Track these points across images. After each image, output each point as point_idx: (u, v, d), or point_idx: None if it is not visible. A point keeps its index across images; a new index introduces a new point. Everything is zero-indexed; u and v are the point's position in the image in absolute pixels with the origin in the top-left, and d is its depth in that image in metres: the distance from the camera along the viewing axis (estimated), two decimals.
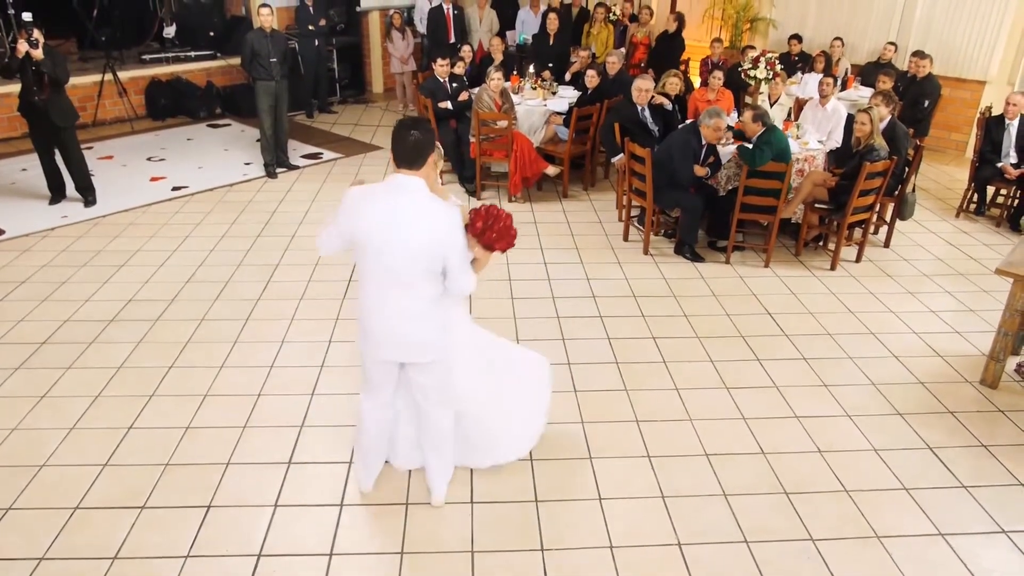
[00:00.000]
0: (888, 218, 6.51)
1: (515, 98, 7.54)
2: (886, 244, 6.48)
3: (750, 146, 5.78)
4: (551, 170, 7.17)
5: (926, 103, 8.00)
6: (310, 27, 9.72)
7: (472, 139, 7.07)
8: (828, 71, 8.39)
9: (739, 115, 6.55)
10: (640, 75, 6.80)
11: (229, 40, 10.21)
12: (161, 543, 3.15)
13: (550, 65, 8.61)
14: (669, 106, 6.89)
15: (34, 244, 6.04)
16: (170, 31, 10.56)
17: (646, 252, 6.17)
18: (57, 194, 6.83)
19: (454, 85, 7.50)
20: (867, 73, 8.76)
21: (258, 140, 8.14)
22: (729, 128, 6.14)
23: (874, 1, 9.39)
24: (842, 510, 3.45)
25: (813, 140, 6.52)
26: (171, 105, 9.86)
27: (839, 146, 6.63)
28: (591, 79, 7.44)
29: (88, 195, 6.80)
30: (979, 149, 7.05)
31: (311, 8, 9.66)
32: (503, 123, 6.91)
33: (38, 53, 6.02)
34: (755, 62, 7.52)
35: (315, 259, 5.86)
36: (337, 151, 8.73)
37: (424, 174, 2.87)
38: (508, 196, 7.25)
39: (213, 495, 3.42)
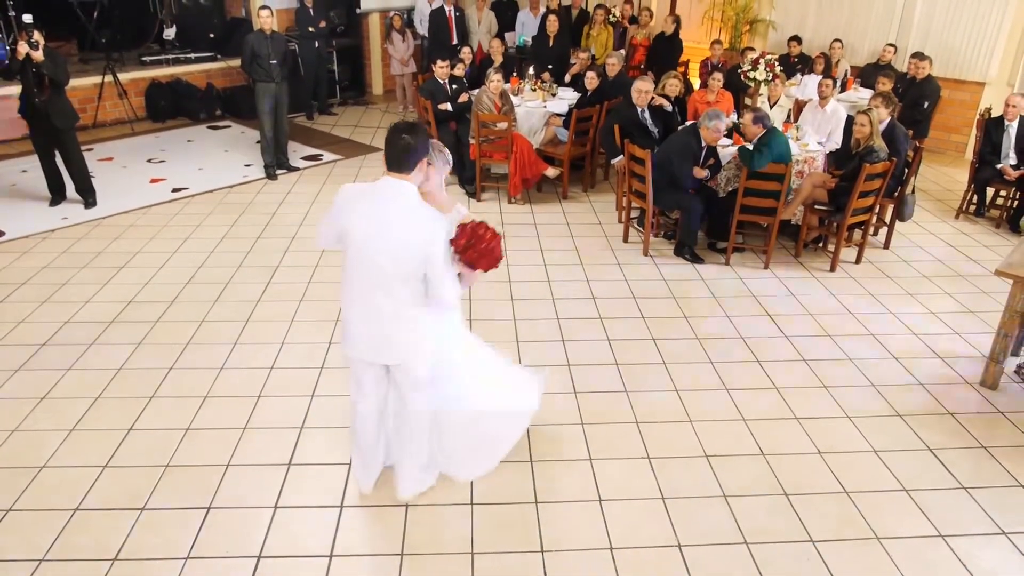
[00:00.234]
0: (888, 219, 6.51)
1: (515, 100, 7.55)
2: (886, 245, 6.48)
3: (750, 147, 5.78)
4: (551, 172, 7.17)
5: (925, 104, 8.01)
6: (310, 29, 9.74)
7: (472, 141, 7.08)
8: (828, 73, 8.39)
9: (739, 117, 6.56)
10: (640, 77, 6.81)
11: (229, 42, 10.22)
12: (161, 544, 3.15)
13: (550, 67, 8.62)
14: (669, 107, 6.89)
15: (34, 245, 6.05)
16: (170, 33, 10.57)
17: (646, 253, 6.17)
18: (57, 196, 6.83)
19: (454, 87, 7.51)
20: (866, 75, 8.77)
21: (258, 142, 8.15)
22: (733, 127, 6.15)
23: (873, 3, 9.40)
24: (842, 511, 3.45)
25: (813, 142, 6.52)
26: (171, 107, 9.87)
27: (839, 147, 6.63)
28: (591, 81, 7.45)
29: (88, 197, 6.81)
30: (978, 150, 7.05)
31: (311, 10, 9.67)
32: (503, 125, 6.91)
33: (38, 55, 6.02)
34: (755, 64, 7.53)
35: (315, 261, 5.87)
36: (337, 153, 8.74)
37: (414, 179, 2.87)
38: (508, 198, 7.25)
39: (213, 496, 3.42)
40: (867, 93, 8.04)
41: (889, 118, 6.19)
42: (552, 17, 9.38)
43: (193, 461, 3.65)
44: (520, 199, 7.29)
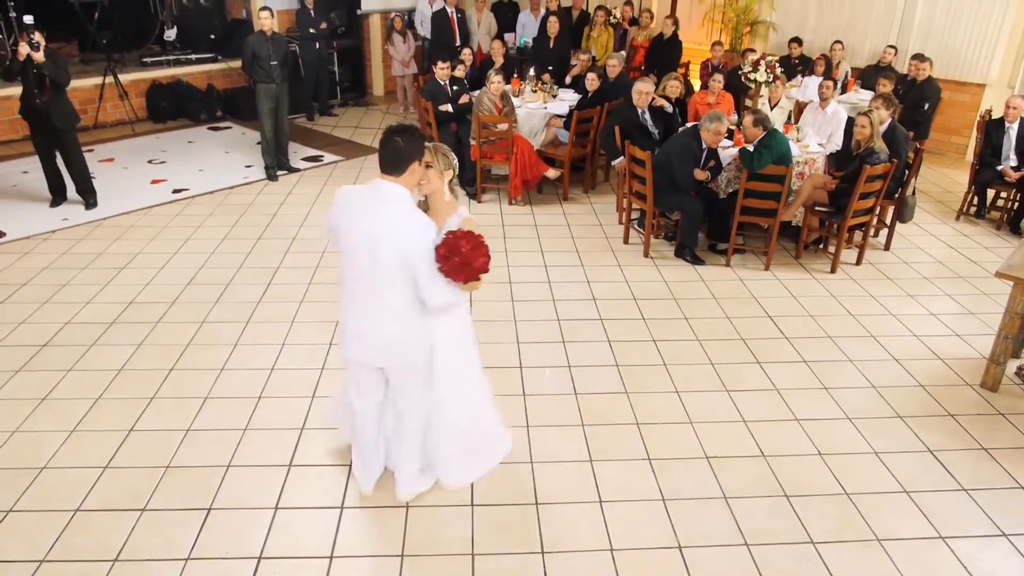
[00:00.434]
0: (888, 221, 6.51)
1: (515, 101, 7.55)
2: (886, 247, 6.48)
3: (751, 149, 5.79)
4: (551, 173, 7.18)
5: (926, 106, 8.01)
6: (311, 30, 9.74)
7: (472, 142, 7.08)
8: (828, 74, 8.39)
9: (739, 118, 6.56)
10: (641, 78, 6.81)
11: (230, 43, 10.23)
12: (161, 545, 3.15)
13: (550, 68, 8.62)
14: (669, 109, 6.90)
15: (35, 246, 6.05)
16: (171, 34, 10.58)
17: (646, 255, 6.17)
18: (58, 196, 6.84)
19: (454, 88, 7.51)
20: (867, 76, 8.77)
21: (259, 143, 8.15)
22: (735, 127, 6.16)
23: (874, 4, 9.41)
24: (842, 513, 3.45)
25: (813, 143, 6.53)
26: (172, 108, 9.88)
27: (839, 149, 6.63)
28: (591, 82, 7.46)
29: (89, 198, 6.81)
30: (979, 152, 7.06)
31: (312, 11, 9.68)
32: (503, 126, 6.91)
33: (39, 56, 6.03)
34: (755, 65, 7.53)
35: (315, 262, 5.87)
36: (338, 154, 8.74)
37: (406, 182, 2.88)
38: (509, 199, 7.26)
39: (214, 497, 3.42)
40: (868, 95, 8.04)
41: (890, 120, 6.19)
42: (553, 19, 9.38)
43: (194, 462, 3.65)
44: (521, 200, 7.29)
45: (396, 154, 2.83)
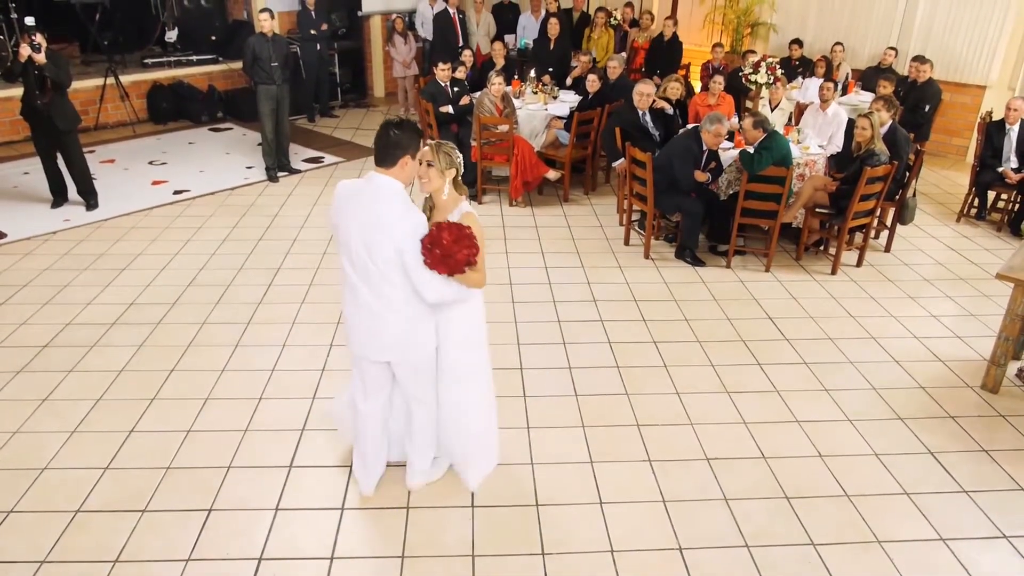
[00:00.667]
0: (889, 223, 6.51)
1: (516, 102, 7.56)
2: (887, 249, 6.48)
3: (751, 151, 5.79)
4: (552, 174, 7.18)
5: (927, 108, 8.02)
6: (312, 31, 9.75)
7: (473, 143, 7.09)
8: (829, 76, 8.40)
9: (740, 120, 6.56)
10: (642, 80, 6.81)
11: (231, 44, 10.23)
12: (162, 547, 3.15)
13: (550, 70, 8.63)
14: (670, 110, 6.90)
15: (36, 247, 6.06)
16: (172, 35, 10.59)
17: (647, 256, 6.17)
18: (59, 198, 6.85)
19: (455, 89, 7.52)
20: (868, 78, 8.77)
21: (259, 144, 8.16)
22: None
23: (874, 6, 9.41)
24: (843, 515, 3.44)
25: (814, 145, 6.53)
26: (173, 109, 9.88)
27: (840, 151, 6.64)
28: (592, 84, 7.46)
29: (90, 199, 6.82)
30: (980, 154, 7.06)
31: (313, 12, 9.69)
32: (504, 127, 6.92)
33: (41, 57, 6.04)
34: (756, 67, 7.54)
35: (316, 263, 5.88)
36: (338, 155, 8.75)
37: (398, 175, 2.89)
38: (509, 200, 7.26)
39: (214, 499, 3.42)
40: (868, 96, 8.05)
41: (890, 121, 6.19)
42: (553, 20, 9.39)
43: (194, 463, 3.65)
44: (521, 202, 7.30)
45: (385, 146, 2.85)
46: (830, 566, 3.16)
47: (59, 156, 6.60)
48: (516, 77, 8.53)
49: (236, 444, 3.79)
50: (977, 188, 7.13)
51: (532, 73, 8.25)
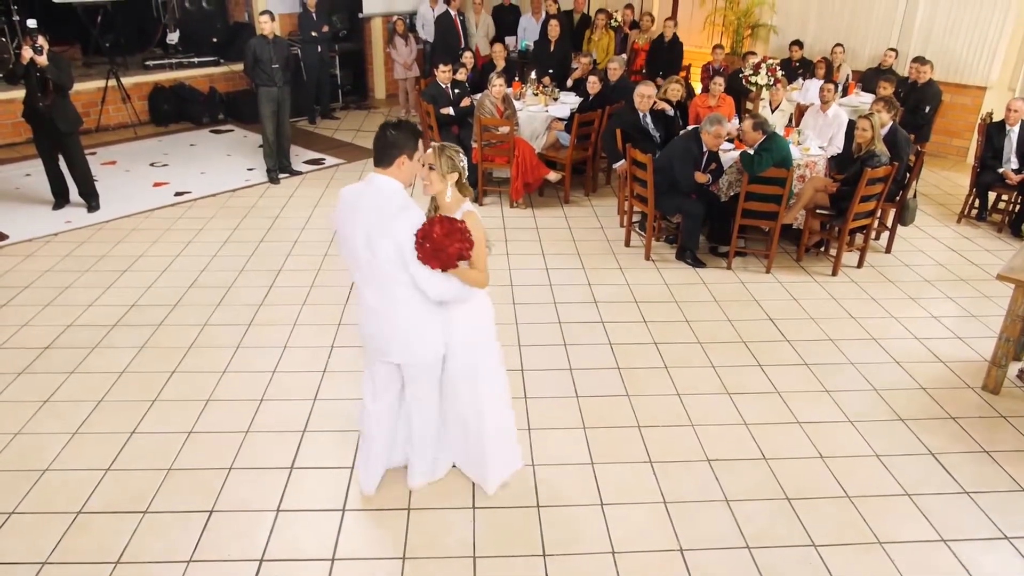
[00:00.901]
0: (889, 224, 6.51)
1: (517, 104, 7.57)
2: (887, 250, 6.48)
3: (751, 152, 5.79)
4: (553, 176, 7.19)
5: (927, 109, 8.02)
6: (313, 33, 9.76)
7: (474, 145, 7.09)
8: (829, 77, 8.40)
9: (740, 121, 6.57)
10: (643, 81, 6.82)
11: (232, 46, 10.25)
12: (163, 548, 3.16)
13: (551, 71, 8.64)
14: (671, 112, 6.90)
15: (37, 249, 6.06)
16: (173, 37, 10.59)
17: (648, 258, 6.17)
18: (60, 199, 6.85)
19: (456, 91, 7.53)
20: (868, 79, 8.77)
21: (260, 146, 8.17)
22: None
23: (875, 7, 9.42)
24: (844, 516, 3.44)
25: (814, 146, 6.53)
26: (174, 111, 9.90)
27: (840, 152, 6.64)
28: (592, 85, 7.47)
29: (91, 200, 6.82)
30: (980, 155, 7.06)
31: (314, 14, 9.70)
32: (505, 129, 6.93)
33: (42, 59, 6.05)
34: (756, 68, 7.54)
35: (317, 265, 5.88)
36: (339, 157, 8.76)
37: (396, 175, 2.91)
38: (510, 202, 7.27)
39: (215, 500, 3.43)
40: (868, 97, 8.05)
41: (891, 122, 6.19)
42: (554, 22, 9.40)
43: (195, 464, 3.65)
44: (522, 203, 7.30)
45: (385, 146, 2.89)
46: (831, 567, 3.16)
47: (61, 158, 6.61)
48: (517, 79, 8.54)
49: (237, 445, 3.79)
50: (978, 189, 7.13)
51: (533, 75, 8.26)
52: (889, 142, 5.98)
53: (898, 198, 6.29)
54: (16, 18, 8.94)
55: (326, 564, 3.11)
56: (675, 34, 9.57)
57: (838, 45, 9.17)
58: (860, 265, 6.14)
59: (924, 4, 9.02)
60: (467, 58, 8.31)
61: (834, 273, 5.99)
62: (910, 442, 3.99)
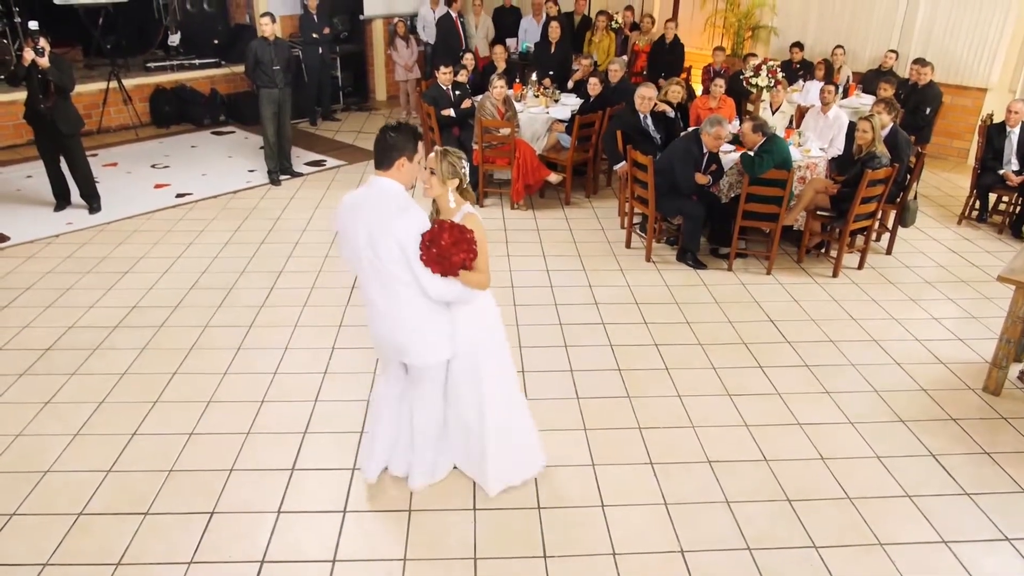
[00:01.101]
0: (890, 225, 6.52)
1: (518, 106, 7.57)
2: (888, 251, 6.48)
3: (752, 154, 5.80)
4: (553, 177, 7.19)
5: (927, 110, 8.02)
6: (314, 35, 9.77)
7: (475, 146, 7.10)
8: (829, 79, 8.39)
9: (741, 123, 6.57)
10: (644, 83, 6.82)
11: (233, 48, 10.26)
12: (164, 549, 3.16)
13: (552, 73, 8.64)
14: (671, 114, 6.91)
15: (39, 251, 6.07)
16: (175, 39, 10.61)
17: (648, 259, 6.18)
18: (62, 201, 6.86)
19: (457, 93, 7.54)
20: (868, 81, 8.77)
21: (261, 147, 8.18)
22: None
23: (875, 9, 9.42)
24: (845, 517, 3.44)
25: (815, 147, 6.53)
26: (175, 112, 9.90)
27: (841, 153, 6.64)
28: (593, 87, 7.47)
29: (93, 202, 6.83)
30: (981, 156, 7.06)
31: (315, 16, 9.71)
32: (506, 131, 6.93)
33: (44, 61, 6.06)
34: (757, 70, 7.55)
35: (318, 266, 5.89)
36: (340, 158, 8.77)
37: (396, 176, 2.94)
38: (511, 203, 7.27)
39: (216, 501, 3.43)
40: (869, 99, 8.05)
41: (891, 124, 6.19)
42: (554, 24, 9.41)
43: (196, 466, 3.66)
44: (523, 205, 7.31)
45: (384, 148, 2.92)
46: (832, 568, 3.16)
47: (62, 160, 6.62)
48: (517, 80, 8.54)
49: (239, 447, 3.80)
50: (978, 190, 7.14)
51: (533, 76, 8.26)
52: (890, 144, 5.99)
53: (899, 200, 6.29)
54: (18, 20, 8.94)
55: (327, 565, 3.11)
56: (676, 36, 9.57)
57: (838, 47, 9.17)
58: (861, 266, 6.14)
59: (924, 6, 9.02)
60: (468, 60, 8.32)
61: (835, 274, 5.99)
62: (911, 443, 3.99)
